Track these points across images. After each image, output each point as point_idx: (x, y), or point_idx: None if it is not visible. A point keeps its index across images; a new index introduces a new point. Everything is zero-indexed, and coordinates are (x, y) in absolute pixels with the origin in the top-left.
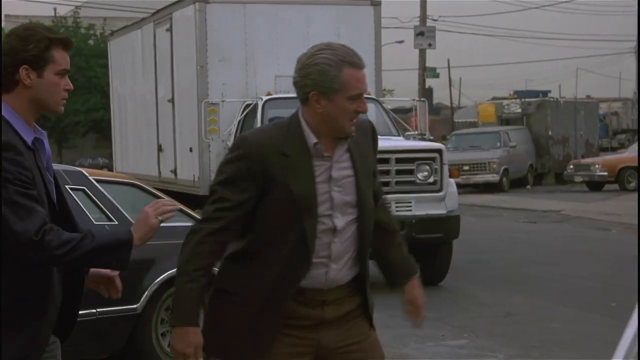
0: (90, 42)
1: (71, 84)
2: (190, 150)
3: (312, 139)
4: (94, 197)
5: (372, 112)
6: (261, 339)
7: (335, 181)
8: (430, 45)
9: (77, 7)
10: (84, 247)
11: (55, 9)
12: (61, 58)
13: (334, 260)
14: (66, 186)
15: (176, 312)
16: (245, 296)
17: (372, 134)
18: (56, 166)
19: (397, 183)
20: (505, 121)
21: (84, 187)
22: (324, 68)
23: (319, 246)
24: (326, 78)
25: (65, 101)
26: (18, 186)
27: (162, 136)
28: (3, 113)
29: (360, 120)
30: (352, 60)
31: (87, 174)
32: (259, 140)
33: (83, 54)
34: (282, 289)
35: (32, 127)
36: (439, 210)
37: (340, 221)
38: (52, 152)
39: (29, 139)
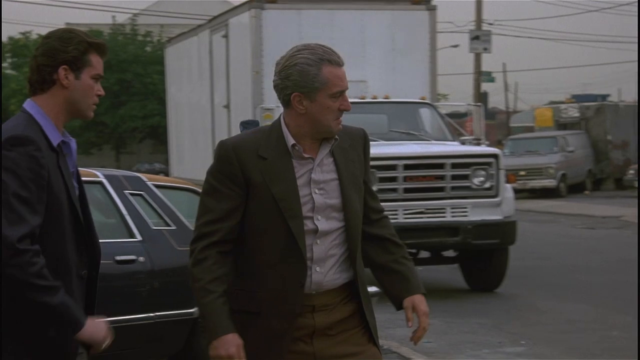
0: (148, 49)
1: (102, 90)
2: None
3: (290, 140)
4: (152, 202)
5: (427, 117)
6: (277, 348)
7: (316, 183)
8: (485, 49)
9: (134, 14)
10: (51, 295)
11: (113, 17)
12: (97, 63)
13: (316, 263)
14: (125, 191)
15: (206, 328)
16: (259, 311)
17: (363, 142)
18: (115, 172)
19: (452, 188)
20: (562, 125)
21: (143, 192)
22: (304, 68)
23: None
24: (307, 78)
25: (95, 106)
26: (21, 187)
27: (217, 141)
28: (33, 114)
29: (352, 127)
30: (331, 58)
31: (145, 180)
32: (236, 144)
33: (140, 60)
34: (290, 294)
35: (61, 131)
36: (495, 216)
37: (322, 224)
38: (110, 157)
39: (54, 141)
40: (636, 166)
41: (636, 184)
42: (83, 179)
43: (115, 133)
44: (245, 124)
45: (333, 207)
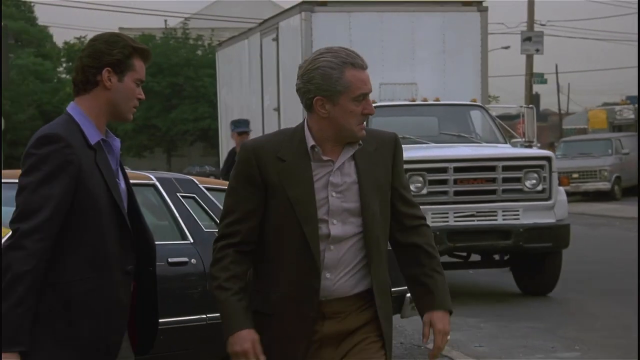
0: (199, 52)
1: (143, 94)
2: None
3: (310, 142)
4: (204, 205)
5: (477, 119)
6: (290, 352)
7: (334, 186)
8: (537, 50)
9: (186, 18)
10: (10, 303)
11: (165, 21)
12: (140, 68)
13: (327, 269)
14: (177, 194)
15: (223, 325)
16: (272, 313)
17: (393, 146)
18: (168, 174)
19: (504, 191)
20: (617, 127)
21: (195, 195)
22: (327, 71)
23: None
24: (329, 81)
25: (135, 109)
26: (42, 183)
27: None
28: (73, 114)
29: (382, 131)
30: (354, 61)
31: (197, 182)
32: (256, 145)
33: (191, 64)
34: (303, 298)
35: (102, 130)
36: (547, 219)
37: (337, 229)
38: (162, 160)
39: (92, 139)
40: None
41: None
42: (137, 181)
43: (167, 136)
44: (235, 123)
45: (350, 211)
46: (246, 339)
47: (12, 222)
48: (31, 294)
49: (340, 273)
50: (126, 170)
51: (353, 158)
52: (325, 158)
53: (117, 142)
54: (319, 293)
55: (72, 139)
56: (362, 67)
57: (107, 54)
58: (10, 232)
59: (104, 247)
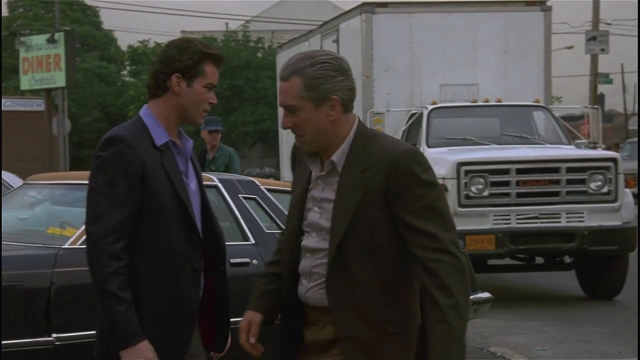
0: (259, 55)
1: (215, 98)
2: None
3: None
4: (265, 206)
5: (540, 120)
6: (289, 354)
7: (315, 201)
8: (602, 50)
9: (247, 21)
10: (112, 303)
11: (227, 24)
12: (211, 72)
13: (303, 276)
14: (239, 195)
15: None
16: None
17: (386, 169)
18: (230, 176)
19: (567, 193)
20: None
21: (256, 196)
22: None
23: (298, 258)
24: None
25: (206, 114)
26: (108, 184)
27: None
28: (142, 116)
29: (393, 148)
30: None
31: (258, 183)
32: (296, 144)
33: (252, 66)
34: (287, 302)
35: (173, 132)
36: (613, 222)
37: (310, 241)
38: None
39: (159, 141)
40: None
41: None
42: None
43: (228, 138)
44: (207, 121)
45: (324, 228)
46: (246, 318)
47: (86, 225)
48: (124, 291)
49: (312, 282)
50: None
51: (338, 174)
52: (310, 167)
53: (189, 143)
54: (288, 296)
55: (136, 140)
56: (280, 77)
57: (177, 60)
58: (83, 233)
59: (170, 245)
